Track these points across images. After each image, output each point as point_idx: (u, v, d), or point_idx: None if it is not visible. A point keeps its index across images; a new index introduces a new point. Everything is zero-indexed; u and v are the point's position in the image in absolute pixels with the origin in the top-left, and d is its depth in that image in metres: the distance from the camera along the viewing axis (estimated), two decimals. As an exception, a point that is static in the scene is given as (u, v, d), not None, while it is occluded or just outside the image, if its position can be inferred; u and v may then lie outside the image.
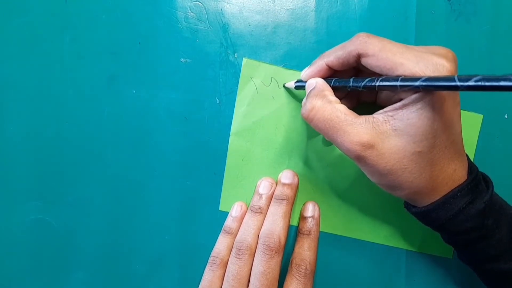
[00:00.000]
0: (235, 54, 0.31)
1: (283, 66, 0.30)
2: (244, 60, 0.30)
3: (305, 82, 0.27)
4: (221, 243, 0.29)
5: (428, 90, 0.20)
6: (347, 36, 0.30)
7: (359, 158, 0.23)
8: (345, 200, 0.31)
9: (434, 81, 0.19)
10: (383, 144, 0.22)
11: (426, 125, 0.21)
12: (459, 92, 0.22)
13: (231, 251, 0.28)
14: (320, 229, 0.31)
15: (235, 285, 0.27)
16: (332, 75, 0.26)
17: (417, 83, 0.20)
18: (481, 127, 0.31)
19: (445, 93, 0.21)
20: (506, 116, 0.31)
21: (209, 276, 0.28)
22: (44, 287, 0.31)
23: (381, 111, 0.23)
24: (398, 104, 0.22)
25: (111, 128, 0.31)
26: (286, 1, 0.31)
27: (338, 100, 0.24)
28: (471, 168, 0.24)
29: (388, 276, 0.32)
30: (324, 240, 0.31)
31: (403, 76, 0.21)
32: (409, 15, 0.31)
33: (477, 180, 0.24)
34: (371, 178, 0.25)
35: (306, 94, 0.26)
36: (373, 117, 0.23)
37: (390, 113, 0.22)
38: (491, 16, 0.31)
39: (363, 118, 0.23)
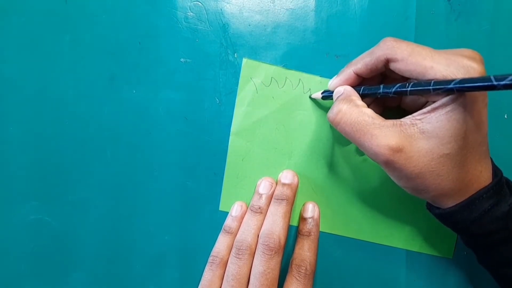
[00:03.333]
0: (235, 54, 0.31)
1: (283, 66, 0.30)
2: (244, 60, 0.30)
3: (332, 92, 0.27)
4: (221, 243, 0.29)
5: (463, 91, 0.20)
6: (347, 36, 0.31)
7: (388, 163, 0.23)
8: (345, 200, 0.31)
9: (470, 82, 0.19)
10: (411, 147, 0.22)
11: (455, 127, 0.21)
12: (487, 93, 0.22)
13: (231, 251, 0.28)
14: (320, 230, 0.31)
15: (234, 284, 0.27)
16: (360, 83, 0.26)
17: (451, 85, 0.20)
18: (481, 127, 0.31)
19: (477, 94, 0.21)
20: (506, 116, 0.31)
21: (208, 275, 0.28)
22: (43, 287, 0.31)
23: (409, 116, 0.23)
24: (427, 108, 0.22)
25: (111, 128, 0.31)
26: (286, 1, 0.31)
27: (365, 105, 0.24)
28: (495, 171, 0.24)
29: (388, 276, 0.32)
30: (324, 240, 0.31)
31: (435, 80, 0.21)
32: (409, 15, 0.31)
33: (501, 183, 0.24)
34: (398, 182, 0.24)
35: (334, 101, 0.26)
36: (401, 121, 0.23)
37: (418, 117, 0.22)
38: (491, 16, 0.31)
39: (391, 121, 0.23)
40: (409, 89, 0.22)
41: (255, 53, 0.31)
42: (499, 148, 0.26)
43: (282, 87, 0.31)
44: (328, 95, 0.28)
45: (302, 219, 0.30)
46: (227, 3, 0.31)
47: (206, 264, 0.29)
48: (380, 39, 0.30)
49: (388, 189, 0.31)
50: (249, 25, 0.31)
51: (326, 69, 0.30)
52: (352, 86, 0.26)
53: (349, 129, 0.24)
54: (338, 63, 0.30)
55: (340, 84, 0.26)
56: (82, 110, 0.31)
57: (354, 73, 0.25)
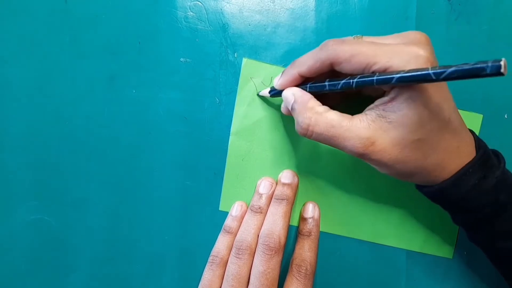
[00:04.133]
0: (235, 54, 0.31)
1: (283, 66, 0.30)
2: (244, 60, 0.30)
3: (280, 91, 0.27)
4: (221, 243, 0.29)
5: (406, 85, 0.21)
6: (347, 36, 0.30)
7: (363, 156, 0.24)
8: (345, 200, 0.31)
9: (409, 76, 0.20)
10: (382, 139, 0.23)
11: (418, 113, 0.22)
12: None
13: (231, 251, 0.28)
14: (320, 229, 0.31)
15: (234, 284, 0.27)
16: (305, 81, 0.26)
17: (393, 81, 0.20)
18: (481, 127, 0.31)
19: None
20: (506, 116, 0.31)
21: (208, 275, 0.28)
22: (43, 287, 0.31)
23: (372, 106, 0.24)
24: (386, 98, 0.23)
25: (111, 128, 0.31)
26: (286, 1, 0.31)
27: (326, 108, 0.25)
28: (479, 144, 0.25)
29: (388, 276, 0.32)
30: (324, 240, 0.31)
31: (378, 74, 0.21)
32: (409, 15, 0.31)
33: (486, 155, 0.24)
34: (380, 170, 0.25)
35: (290, 107, 0.26)
36: (366, 115, 0.23)
37: (381, 107, 0.23)
38: (491, 16, 0.31)
39: (357, 118, 0.24)
40: (354, 85, 0.23)
41: (255, 53, 0.31)
42: (499, 148, 0.26)
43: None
44: (275, 93, 0.28)
45: (302, 219, 0.30)
46: (227, 3, 0.31)
47: (206, 264, 0.29)
48: (380, 39, 0.30)
49: (388, 189, 0.31)
50: (249, 25, 0.31)
51: (326, 69, 0.30)
52: (298, 85, 0.26)
53: (322, 139, 0.25)
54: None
55: (285, 85, 0.26)
56: (82, 110, 0.31)
57: (299, 75, 0.25)
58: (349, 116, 0.24)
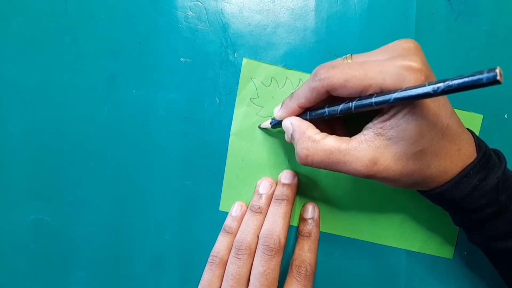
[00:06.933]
0: (235, 54, 0.31)
1: (283, 66, 0.30)
2: (244, 60, 0.30)
3: (281, 121, 0.27)
4: (221, 243, 0.29)
5: (404, 103, 0.21)
6: (347, 36, 0.31)
7: (369, 177, 0.24)
8: (345, 201, 0.31)
9: (407, 95, 0.20)
10: (384, 157, 0.23)
11: (417, 125, 0.22)
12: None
13: (230, 251, 0.28)
14: (320, 230, 0.31)
15: (234, 285, 0.27)
16: (305, 110, 0.26)
17: (390, 100, 0.20)
18: (481, 127, 0.31)
19: None
20: (506, 116, 0.31)
21: (208, 275, 0.28)
22: (43, 287, 0.31)
23: (369, 125, 0.24)
24: (385, 116, 0.23)
25: (111, 128, 0.31)
26: (286, 1, 0.31)
27: (324, 135, 0.25)
28: (480, 144, 0.25)
29: (388, 277, 0.32)
30: (324, 240, 0.31)
31: (375, 95, 0.21)
32: (409, 15, 0.31)
33: (487, 156, 0.24)
34: (387, 185, 0.25)
35: (290, 137, 0.26)
36: (364, 135, 0.23)
37: (379, 126, 0.23)
38: (491, 16, 0.31)
39: (355, 141, 0.24)
40: (353, 108, 0.23)
41: (255, 53, 0.31)
42: (499, 148, 0.26)
43: (282, 87, 0.30)
44: (276, 123, 0.28)
45: (302, 220, 0.30)
46: (227, 3, 0.31)
47: (206, 264, 0.29)
48: (380, 39, 0.30)
49: (388, 190, 0.31)
50: (249, 25, 0.31)
51: (326, 69, 0.30)
52: (299, 115, 0.26)
53: (323, 166, 0.25)
54: (338, 63, 0.30)
55: (285, 117, 0.27)
56: (82, 110, 0.31)
57: (298, 107, 0.26)
58: (347, 138, 0.24)
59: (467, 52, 0.31)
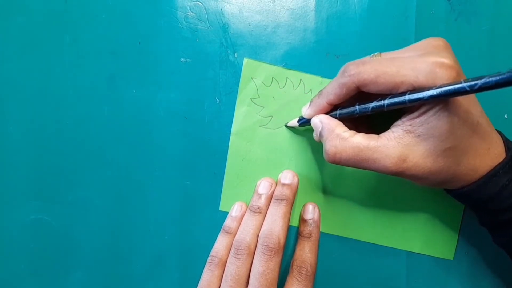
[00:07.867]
0: (235, 54, 0.31)
1: (283, 66, 0.30)
2: (245, 60, 0.30)
3: (308, 119, 0.27)
4: (220, 243, 0.29)
5: (438, 100, 0.21)
6: (347, 36, 0.31)
7: (398, 174, 0.23)
8: (345, 201, 0.31)
9: (443, 92, 0.19)
10: (413, 154, 0.23)
11: (448, 122, 0.22)
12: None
13: (230, 251, 0.28)
14: (321, 230, 0.31)
15: (233, 285, 0.26)
16: (335, 107, 0.26)
17: (425, 98, 0.20)
18: (481, 127, 0.31)
19: None
20: (506, 116, 0.31)
21: (207, 275, 0.28)
22: (43, 287, 0.31)
23: (398, 122, 0.23)
24: (415, 113, 0.22)
25: (111, 128, 0.31)
26: (286, 1, 0.31)
27: (352, 133, 0.24)
28: (508, 144, 0.25)
29: (389, 278, 0.31)
30: (325, 241, 0.31)
31: (408, 93, 0.21)
32: (409, 15, 0.31)
33: None
34: (416, 183, 0.25)
35: (318, 135, 0.26)
36: (393, 132, 0.23)
37: (408, 123, 0.23)
38: (491, 16, 0.31)
39: (384, 138, 0.23)
40: (386, 106, 0.22)
41: (255, 53, 0.31)
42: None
43: (283, 87, 0.30)
44: (304, 122, 0.28)
45: (302, 220, 0.30)
46: (227, 3, 0.31)
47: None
48: (380, 39, 0.30)
49: (389, 190, 0.31)
50: (249, 25, 0.31)
51: (326, 69, 0.30)
52: (328, 112, 0.26)
53: (351, 163, 0.24)
54: (338, 63, 0.30)
55: (314, 115, 0.27)
56: (82, 110, 0.31)
57: (327, 104, 0.25)
58: (375, 136, 0.24)
59: (467, 52, 0.31)
